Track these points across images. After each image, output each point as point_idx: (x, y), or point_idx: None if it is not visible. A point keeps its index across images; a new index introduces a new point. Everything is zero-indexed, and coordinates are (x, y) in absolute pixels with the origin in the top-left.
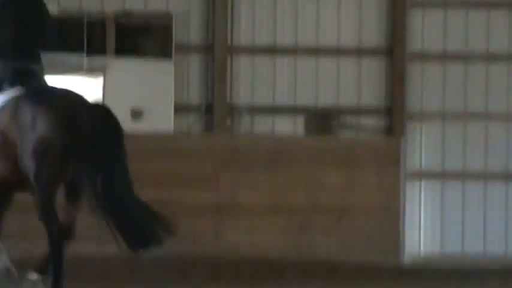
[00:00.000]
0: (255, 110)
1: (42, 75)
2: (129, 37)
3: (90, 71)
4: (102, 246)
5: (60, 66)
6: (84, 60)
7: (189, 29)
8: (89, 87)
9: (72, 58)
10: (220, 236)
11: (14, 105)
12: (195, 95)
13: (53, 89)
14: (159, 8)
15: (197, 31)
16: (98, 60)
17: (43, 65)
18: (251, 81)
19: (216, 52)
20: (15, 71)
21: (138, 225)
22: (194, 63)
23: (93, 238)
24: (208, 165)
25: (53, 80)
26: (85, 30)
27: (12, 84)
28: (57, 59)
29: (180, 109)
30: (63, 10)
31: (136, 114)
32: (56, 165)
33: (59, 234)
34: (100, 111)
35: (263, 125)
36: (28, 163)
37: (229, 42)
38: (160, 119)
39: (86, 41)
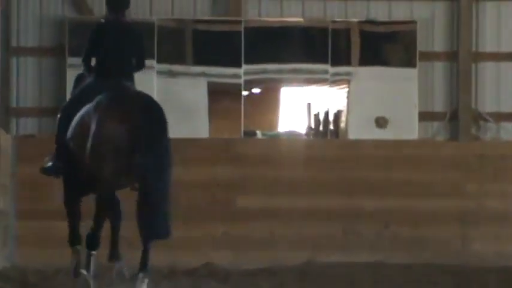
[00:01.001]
0: (500, 117)
1: (133, 88)
2: (373, 45)
3: (335, 80)
4: (347, 256)
5: (305, 76)
6: (329, 69)
7: (433, 36)
8: (333, 97)
9: (316, 68)
10: (466, 244)
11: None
12: (439, 103)
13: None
14: (403, 16)
15: (441, 38)
16: (342, 69)
17: (134, 83)
18: (496, 88)
19: (461, 59)
20: (108, 86)
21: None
22: (438, 71)
23: (338, 247)
24: (454, 173)
25: (297, 91)
26: (329, 39)
27: (102, 93)
28: (301, 69)
29: (424, 117)
30: (308, 19)
31: (381, 122)
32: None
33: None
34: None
35: (509, 132)
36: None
37: (474, 49)
38: (405, 127)
39: (331, 50)
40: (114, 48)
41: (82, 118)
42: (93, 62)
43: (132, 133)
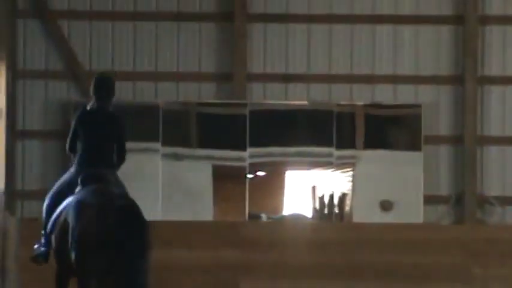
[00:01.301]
0: (506, 201)
1: (113, 177)
2: (378, 129)
3: (340, 163)
4: None
5: (310, 159)
6: (334, 153)
7: (438, 119)
8: (338, 180)
9: (321, 151)
10: None
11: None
12: (444, 186)
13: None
14: (408, 100)
15: (446, 122)
16: (347, 152)
17: (115, 171)
18: (502, 172)
19: (466, 143)
20: (87, 175)
21: None
22: (443, 154)
23: None
24: (460, 257)
25: (302, 174)
26: (334, 122)
27: (83, 185)
28: (306, 152)
29: (429, 200)
30: (313, 102)
31: (386, 205)
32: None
33: None
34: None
35: None
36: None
37: (479, 133)
38: (410, 211)
39: (336, 133)
40: (96, 137)
41: (60, 213)
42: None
43: (107, 232)
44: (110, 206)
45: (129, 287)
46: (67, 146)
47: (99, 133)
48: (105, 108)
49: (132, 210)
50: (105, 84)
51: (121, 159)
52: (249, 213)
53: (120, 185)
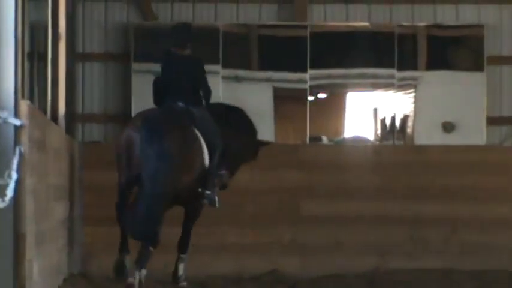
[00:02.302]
0: None
1: (197, 114)
2: (440, 50)
3: (402, 85)
4: (415, 262)
5: (371, 81)
6: (396, 74)
7: (502, 40)
8: (400, 102)
9: (383, 72)
10: None
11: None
12: (508, 107)
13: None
14: (471, 20)
15: (509, 42)
16: (409, 74)
17: (200, 109)
18: None
19: None
20: (167, 108)
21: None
22: (506, 75)
23: (406, 254)
24: None
25: (363, 96)
26: (396, 43)
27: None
28: (367, 74)
29: (492, 121)
30: (374, 24)
31: (448, 127)
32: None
33: None
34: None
35: None
36: None
37: None
38: (473, 132)
39: (397, 54)
40: (173, 77)
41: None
42: None
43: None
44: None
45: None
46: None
47: (179, 75)
48: (185, 53)
49: (156, 126)
50: (182, 30)
51: (207, 99)
52: (310, 136)
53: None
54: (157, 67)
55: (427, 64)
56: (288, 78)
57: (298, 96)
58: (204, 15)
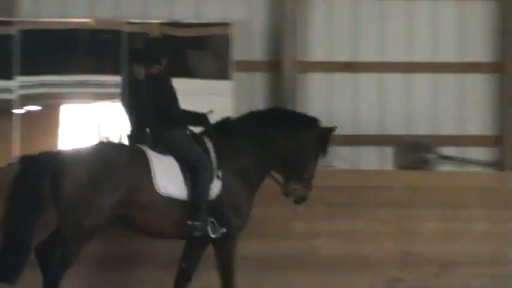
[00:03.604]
0: None
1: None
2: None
3: None
4: None
5: (95, 90)
6: None
7: (251, 42)
8: None
9: (109, 80)
10: None
11: None
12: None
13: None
14: (216, 17)
15: (260, 44)
16: None
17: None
18: None
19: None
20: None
21: None
22: (257, 82)
23: None
24: None
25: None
26: (124, 45)
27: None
28: (91, 82)
29: None
30: (99, 21)
31: None
32: None
33: None
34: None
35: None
36: None
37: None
38: None
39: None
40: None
41: None
42: None
43: None
44: None
45: None
46: None
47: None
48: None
49: None
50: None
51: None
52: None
53: None
54: None
55: None
56: None
57: (3, 109)
58: None
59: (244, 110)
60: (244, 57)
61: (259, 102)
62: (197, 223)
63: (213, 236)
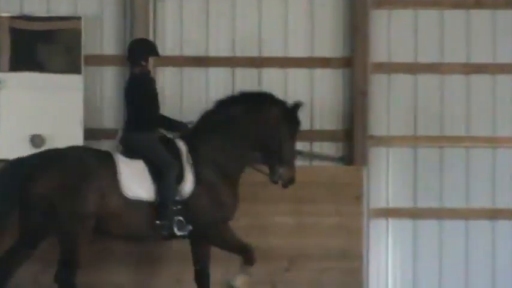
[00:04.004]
0: None
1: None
2: (28, 47)
3: None
4: None
5: None
6: None
7: (102, 35)
8: None
9: None
10: None
11: None
12: (109, 117)
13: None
14: (66, 11)
15: (112, 38)
16: None
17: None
18: None
19: None
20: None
21: None
22: (108, 78)
23: None
24: None
25: None
26: None
27: None
28: None
29: (91, 135)
30: None
31: (37, 141)
32: None
33: None
34: None
35: None
36: None
37: None
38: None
39: None
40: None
41: None
42: None
43: None
44: None
45: None
46: None
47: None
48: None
49: None
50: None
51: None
52: None
53: None
54: None
55: (11, 64)
56: None
57: None
58: None
59: (94, 104)
60: (95, 52)
61: (110, 97)
62: (164, 222)
63: (178, 233)
